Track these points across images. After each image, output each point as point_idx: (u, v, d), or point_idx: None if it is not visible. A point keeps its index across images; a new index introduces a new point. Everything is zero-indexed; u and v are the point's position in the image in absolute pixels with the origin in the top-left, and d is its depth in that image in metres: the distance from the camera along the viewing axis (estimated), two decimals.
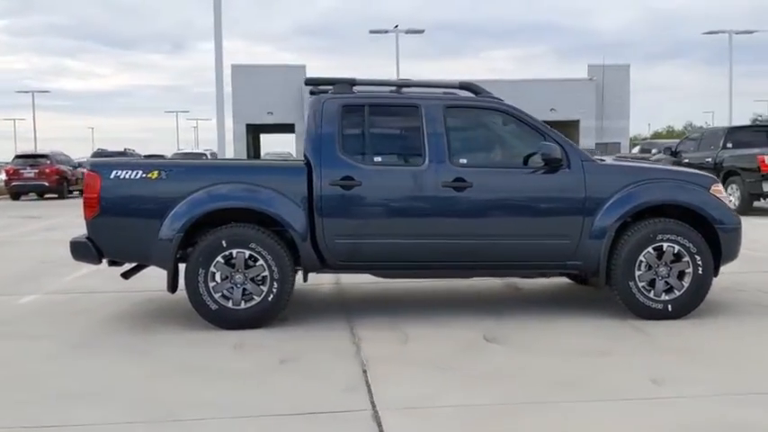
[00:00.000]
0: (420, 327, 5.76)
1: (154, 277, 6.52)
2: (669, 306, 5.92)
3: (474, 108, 6.13)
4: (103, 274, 8.51)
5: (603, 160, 6.46)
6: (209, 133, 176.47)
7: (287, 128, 55.00)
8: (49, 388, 4.42)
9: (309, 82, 6.24)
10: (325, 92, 6.57)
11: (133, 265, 6.30)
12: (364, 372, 4.66)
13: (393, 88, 6.50)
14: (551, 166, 5.87)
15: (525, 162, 6.06)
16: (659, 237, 5.89)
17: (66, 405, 4.11)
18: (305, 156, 5.91)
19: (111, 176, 5.73)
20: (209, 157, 28.93)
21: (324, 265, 5.92)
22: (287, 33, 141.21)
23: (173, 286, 5.82)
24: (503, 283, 7.54)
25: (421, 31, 33.39)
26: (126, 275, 6.39)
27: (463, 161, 5.94)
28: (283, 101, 51.33)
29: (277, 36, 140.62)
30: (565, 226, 5.91)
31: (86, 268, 9.05)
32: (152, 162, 6.58)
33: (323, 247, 5.82)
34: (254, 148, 61.02)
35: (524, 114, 6.07)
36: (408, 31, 33.29)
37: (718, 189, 6.16)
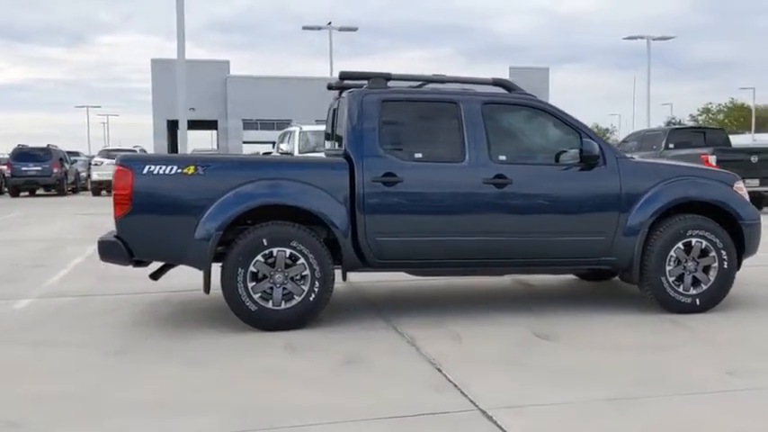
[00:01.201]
0: (462, 324, 5.70)
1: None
2: (697, 300, 6.08)
3: (510, 105, 6.11)
4: (90, 276, 8.12)
5: (633, 158, 6.56)
6: (120, 130, 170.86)
7: (210, 124, 53.78)
8: (123, 399, 4.11)
9: (344, 76, 6.07)
10: (345, 87, 6.47)
11: (160, 265, 5.97)
12: (438, 370, 4.56)
13: (416, 84, 6.43)
14: (589, 163, 5.92)
15: (557, 159, 6.09)
16: (689, 233, 6.04)
17: (155, 416, 3.84)
18: (345, 151, 5.75)
19: (144, 172, 5.41)
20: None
21: (363, 264, 5.77)
22: (200, 29, 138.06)
23: (207, 286, 5.55)
24: (512, 280, 7.57)
25: (354, 29, 33.31)
26: (155, 276, 6.07)
27: (502, 158, 5.91)
28: (206, 97, 50.17)
29: (190, 32, 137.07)
30: (601, 222, 5.98)
31: (65, 270, 8.61)
32: (188, 157, 6.27)
33: (364, 244, 5.68)
34: (172, 145, 59.42)
35: (559, 111, 6.11)
36: (342, 29, 33.13)
37: (740, 186, 6.37)
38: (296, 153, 14.28)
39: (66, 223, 15.09)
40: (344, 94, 5.97)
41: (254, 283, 5.47)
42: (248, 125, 52.22)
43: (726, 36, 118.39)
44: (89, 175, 31.03)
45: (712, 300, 6.12)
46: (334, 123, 6.62)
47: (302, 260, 5.50)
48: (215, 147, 43.93)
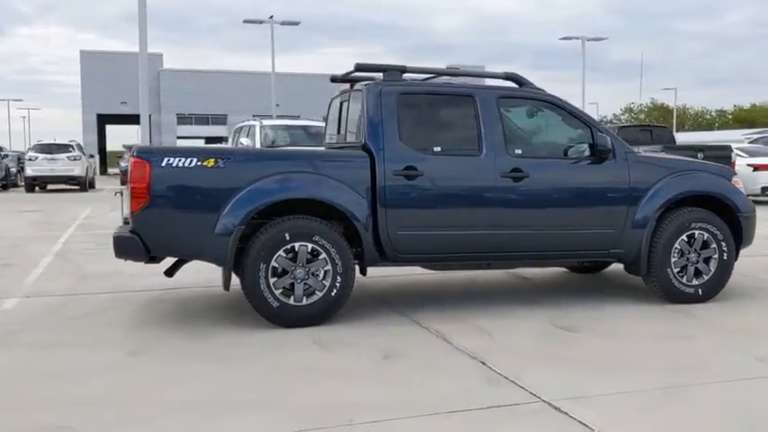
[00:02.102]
0: (483, 318, 5.69)
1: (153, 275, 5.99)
2: (699, 290, 6.25)
3: (524, 99, 6.15)
4: (67, 275, 7.80)
5: (639, 152, 6.68)
6: (41, 124, 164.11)
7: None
8: (167, 399, 3.94)
9: (360, 67, 5.97)
10: (350, 80, 6.40)
11: (173, 262, 5.76)
12: (483, 363, 4.54)
13: (426, 77, 6.39)
14: (602, 156, 6.01)
15: (567, 152, 6.15)
16: (693, 225, 6.20)
17: (207, 416, 3.69)
18: (364, 144, 5.66)
19: (163, 164, 5.20)
20: (75, 148, 26.96)
21: (382, 258, 5.71)
22: (112, 20, 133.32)
23: (228, 283, 5.38)
24: (506, 273, 7.63)
25: (296, 23, 32.93)
26: (170, 273, 5.85)
27: (518, 152, 5.93)
28: (138, 90, 48.76)
29: (102, 22, 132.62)
30: (612, 215, 6.07)
31: (38, 269, 8.21)
32: (207, 149, 6.06)
33: (384, 239, 5.61)
34: (100, 141, 57.60)
35: (570, 105, 6.18)
36: (284, 23, 32.69)
37: (737, 180, 6.59)
38: (258, 147, 14.02)
39: (15, 221, 14.42)
40: (361, 87, 5.87)
41: (275, 279, 5.33)
42: (182, 120, 51.17)
43: (639, 38, 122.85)
44: (20, 171, 29.79)
45: (713, 290, 6.31)
46: (340, 117, 6.52)
47: (324, 255, 5.39)
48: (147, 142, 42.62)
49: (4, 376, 4.41)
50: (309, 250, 5.37)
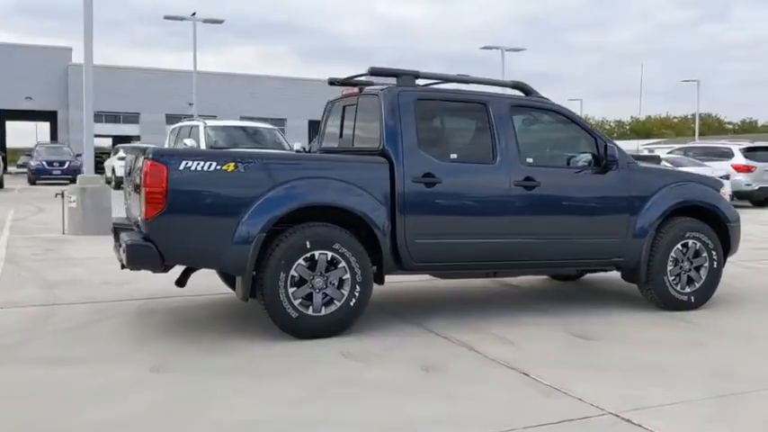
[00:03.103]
0: (498, 327, 5.66)
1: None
2: (692, 297, 6.44)
3: (533, 108, 6.17)
4: (25, 284, 7.34)
5: (638, 162, 6.80)
6: None
7: (47, 115, 49.89)
8: (225, 419, 3.71)
9: (375, 72, 5.83)
10: (350, 84, 6.28)
11: (183, 270, 5.46)
12: (526, 375, 4.50)
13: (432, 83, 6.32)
14: (607, 166, 6.09)
15: (569, 162, 6.21)
16: (687, 234, 6.39)
17: None
18: (383, 150, 5.53)
19: (181, 168, 4.91)
20: None
21: (397, 267, 5.59)
22: (6, 11, 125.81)
23: (247, 293, 5.12)
24: (493, 281, 7.64)
25: (220, 21, 32.15)
26: (181, 282, 5.53)
27: (529, 160, 5.95)
28: (44, 85, 46.53)
29: None
30: (616, 224, 6.17)
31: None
32: (226, 152, 5.75)
33: (401, 246, 5.50)
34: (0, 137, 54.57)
35: (576, 115, 6.25)
36: (206, 21, 31.89)
37: (724, 191, 6.84)
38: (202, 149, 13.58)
39: None
40: (375, 92, 5.73)
41: (294, 289, 5.14)
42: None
43: (542, 49, 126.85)
44: None
45: (704, 297, 6.51)
46: (343, 121, 6.36)
47: (343, 263, 5.23)
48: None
49: (31, 397, 4.04)
50: (329, 258, 5.20)
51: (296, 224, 5.17)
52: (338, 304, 5.25)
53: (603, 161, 6.07)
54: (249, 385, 4.26)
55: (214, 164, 4.97)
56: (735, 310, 6.59)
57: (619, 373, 4.59)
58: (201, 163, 4.94)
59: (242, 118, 34.72)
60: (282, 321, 5.13)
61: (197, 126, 14.27)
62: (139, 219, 5.01)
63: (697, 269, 6.47)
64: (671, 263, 6.35)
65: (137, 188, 5.27)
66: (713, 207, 6.56)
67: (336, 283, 5.23)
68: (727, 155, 20.36)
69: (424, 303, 6.65)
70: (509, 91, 6.46)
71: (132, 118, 50.04)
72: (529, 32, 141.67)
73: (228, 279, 6.48)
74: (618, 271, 6.48)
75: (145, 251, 4.88)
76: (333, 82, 6.56)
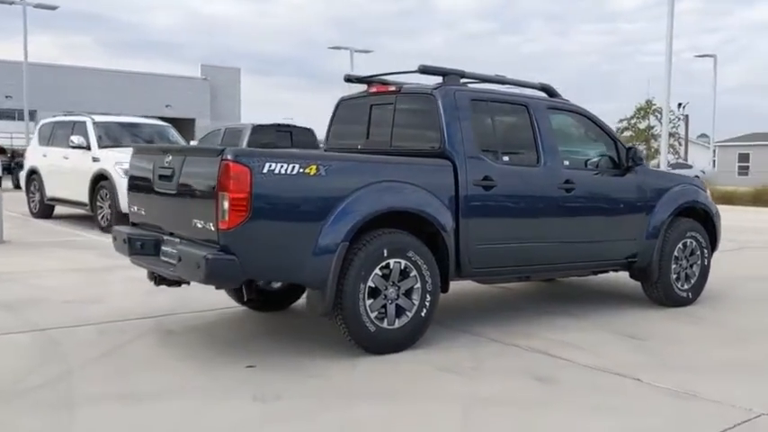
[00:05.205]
0: (543, 330, 5.63)
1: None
2: (689, 293, 6.79)
3: (562, 110, 6.17)
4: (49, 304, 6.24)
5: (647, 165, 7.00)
6: None
7: None
8: None
9: (425, 70, 5.51)
10: (365, 82, 6.02)
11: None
12: (638, 380, 4.45)
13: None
14: (627, 169, 6.25)
15: (595, 164, 6.29)
16: (687, 234, 6.72)
17: None
18: (444, 152, 5.27)
19: (265, 171, 4.36)
20: None
21: (457, 274, 5.36)
22: None
23: (330, 307, 4.65)
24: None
25: (54, 8, 29.47)
26: (251, 299, 4.95)
27: (566, 163, 5.96)
28: None
29: None
30: (636, 225, 6.34)
31: None
32: (307, 154, 5.13)
33: (463, 252, 5.28)
34: None
35: (597, 118, 6.34)
36: (38, 6, 29.13)
37: (708, 194, 7.27)
38: (94, 147, 12.36)
39: None
40: (428, 91, 5.45)
41: (371, 300, 4.77)
42: None
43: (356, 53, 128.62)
44: None
45: (697, 292, 6.88)
46: (370, 120, 6.01)
47: (414, 272, 4.93)
48: None
49: None
50: (402, 267, 4.89)
51: (369, 232, 4.79)
52: (409, 315, 4.95)
53: (627, 163, 6.22)
54: (381, 409, 3.90)
55: (297, 166, 4.48)
56: (723, 303, 6.97)
57: (708, 372, 4.69)
58: (285, 165, 4.43)
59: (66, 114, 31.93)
60: (361, 336, 4.75)
61: (83, 122, 12.92)
62: (211, 228, 4.39)
63: (692, 266, 6.82)
64: (674, 261, 6.63)
65: (187, 193, 4.67)
66: (706, 208, 6.95)
67: (406, 293, 4.93)
68: None
69: (445, 308, 6.43)
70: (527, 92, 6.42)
71: None
72: (344, 35, 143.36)
73: (238, 293, 5.91)
74: (627, 271, 6.66)
75: (229, 265, 4.28)
76: (349, 79, 6.20)
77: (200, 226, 4.50)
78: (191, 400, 3.98)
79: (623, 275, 6.85)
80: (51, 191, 13.38)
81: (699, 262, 6.86)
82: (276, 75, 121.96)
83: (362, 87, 6.21)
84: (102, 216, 11.83)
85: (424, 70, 5.52)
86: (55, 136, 13.70)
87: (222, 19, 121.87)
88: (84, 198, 12.21)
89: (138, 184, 5.42)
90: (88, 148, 12.39)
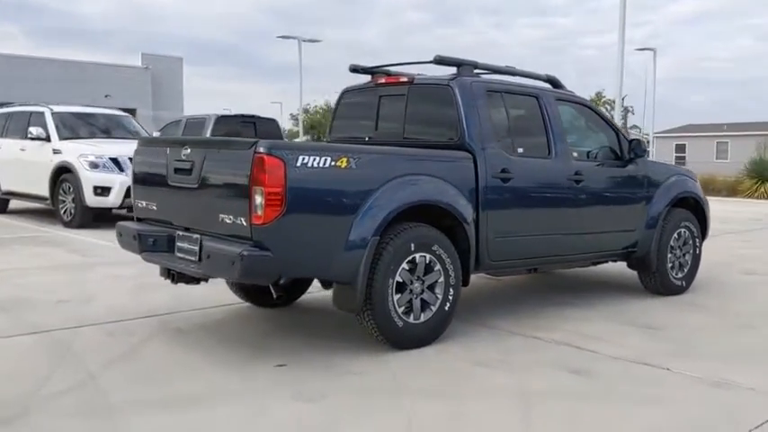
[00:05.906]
0: (560, 321, 5.65)
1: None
2: (683, 282, 6.93)
3: (568, 101, 6.17)
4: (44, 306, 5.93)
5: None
6: None
7: None
8: None
9: (441, 61, 5.42)
10: (371, 73, 5.95)
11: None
12: (667, 369, 4.49)
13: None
14: (630, 160, 6.32)
15: (596, 156, 6.33)
16: (682, 224, 6.85)
17: None
18: (464, 144, 5.20)
19: (298, 164, 4.22)
20: None
21: (476, 267, 5.31)
22: None
23: (360, 303, 4.55)
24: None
25: None
26: (284, 297, 4.80)
27: (575, 155, 5.98)
28: None
29: None
30: (637, 215, 6.42)
31: None
32: (337, 147, 4.94)
33: (483, 246, 5.24)
34: None
35: (600, 110, 6.39)
36: None
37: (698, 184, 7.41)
38: (55, 138, 11.87)
39: None
40: (444, 81, 5.37)
41: (399, 295, 4.69)
42: None
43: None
44: None
45: (690, 281, 7.02)
46: (379, 111, 5.90)
47: (438, 266, 4.87)
48: None
49: None
50: (428, 261, 4.82)
51: (395, 226, 4.70)
52: (434, 309, 4.88)
53: (629, 154, 6.28)
54: (439, 407, 3.81)
55: (329, 159, 4.35)
56: (718, 291, 7.14)
57: (736, 362, 4.75)
58: (317, 158, 4.30)
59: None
60: (390, 331, 4.67)
61: (41, 112, 12.39)
62: (242, 223, 4.22)
63: (685, 255, 6.95)
64: (669, 251, 6.75)
65: (211, 187, 4.50)
66: (699, 198, 7.09)
67: (429, 288, 4.87)
68: None
69: None
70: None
71: None
72: (282, 25, 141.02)
73: (242, 289, 5.76)
74: (626, 260, 6.74)
75: (265, 261, 4.13)
76: (355, 69, 6.08)
77: (228, 221, 4.33)
78: (235, 405, 3.80)
79: (616, 265, 6.95)
80: (7, 185, 12.80)
81: (691, 251, 7.00)
82: (216, 64, 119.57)
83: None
84: (66, 210, 11.37)
85: (441, 61, 5.44)
86: (8, 127, 13.11)
87: (157, 7, 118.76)
88: (45, 192, 11.72)
89: (146, 178, 5.19)
90: (47, 139, 11.90)
